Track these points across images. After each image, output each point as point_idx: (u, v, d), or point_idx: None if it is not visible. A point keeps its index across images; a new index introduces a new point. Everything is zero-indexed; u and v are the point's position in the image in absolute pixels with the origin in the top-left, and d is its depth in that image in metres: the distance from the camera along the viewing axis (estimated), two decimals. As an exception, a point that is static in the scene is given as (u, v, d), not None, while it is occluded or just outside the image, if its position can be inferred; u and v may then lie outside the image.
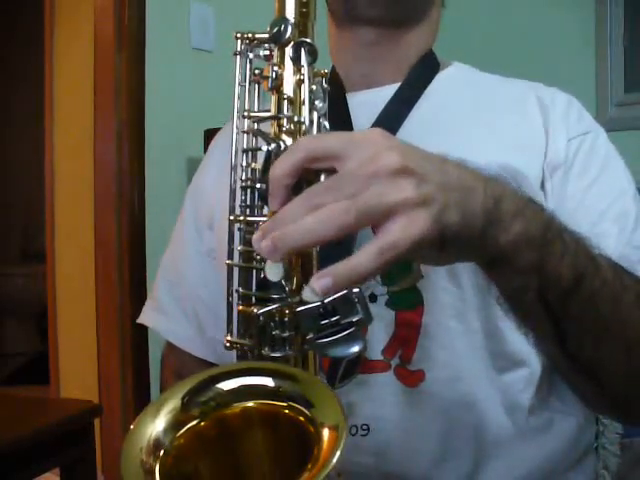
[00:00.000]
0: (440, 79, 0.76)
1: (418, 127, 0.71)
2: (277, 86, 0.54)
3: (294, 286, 0.49)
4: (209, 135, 0.90)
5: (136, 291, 1.83)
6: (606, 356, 0.59)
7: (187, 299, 0.82)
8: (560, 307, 0.54)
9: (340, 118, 0.71)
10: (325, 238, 0.43)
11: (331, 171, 0.46)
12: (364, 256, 0.43)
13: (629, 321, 0.58)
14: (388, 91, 0.74)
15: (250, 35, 0.57)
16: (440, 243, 0.46)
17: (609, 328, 0.57)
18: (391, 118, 0.72)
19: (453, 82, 0.77)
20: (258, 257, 0.54)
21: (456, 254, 0.50)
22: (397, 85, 0.74)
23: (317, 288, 0.43)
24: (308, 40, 0.54)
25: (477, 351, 0.67)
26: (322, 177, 0.46)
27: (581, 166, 0.70)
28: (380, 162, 0.44)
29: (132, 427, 0.46)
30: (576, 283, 0.53)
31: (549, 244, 0.52)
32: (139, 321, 0.86)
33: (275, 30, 0.54)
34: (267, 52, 0.56)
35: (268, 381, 0.47)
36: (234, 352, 0.56)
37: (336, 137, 0.47)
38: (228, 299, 0.58)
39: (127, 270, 1.85)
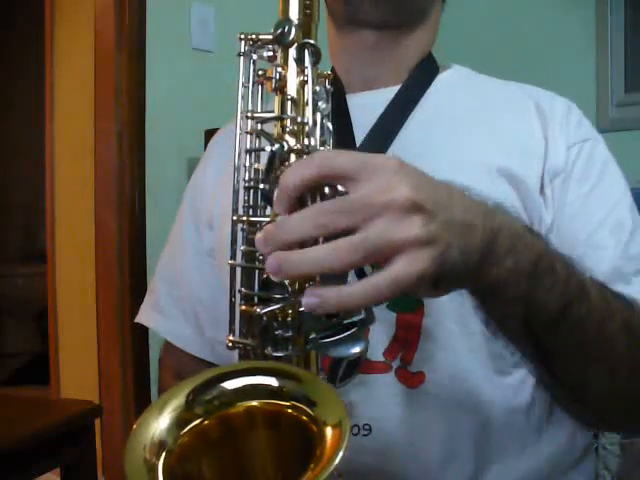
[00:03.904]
0: (439, 82, 0.76)
1: (417, 129, 0.71)
2: (281, 87, 0.54)
3: (296, 286, 0.49)
4: (209, 135, 0.90)
5: (136, 291, 1.83)
6: (590, 378, 0.59)
7: (186, 299, 0.82)
8: (545, 333, 0.55)
9: (340, 120, 0.71)
10: (330, 271, 0.44)
11: (336, 186, 0.46)
12: (361, 288, 0.44)
13: (614, 346, 0.58)
14: (388, 93, 0.74)
15: (254, 36, 0.57)
16: (437, 281, 0.47)
17: (594, 352, 0.58)
18: (391, 120, 0.72)
19: (452, 85, 0.77)
20: (261, 257, 0.54)
21: (449, 288, 0.51)
22: (397, 87, 0.74)
23: (305, 304, 0.44)
24: (312, 41, 0.54)
25: (477, 353, 0.67)
26: (326, 189, 0.46)
27: (580, 173, 0.71)
28: (392, 194, 0.44)
29: (136, 425, 0.46)
30: (562, 311, 0.54)
31: (539, 277, 0.53)
32: (137, 320, 0.86)
33: (279, 31, 0.54)
34: (271, 53, 0.56)
35: (272, 381, 0.47)
36: (233, 352, 0.57)
37: (351, 158, 0.46)
38: (231, 299, 0.58)
39: (127, 270, 1.85)
